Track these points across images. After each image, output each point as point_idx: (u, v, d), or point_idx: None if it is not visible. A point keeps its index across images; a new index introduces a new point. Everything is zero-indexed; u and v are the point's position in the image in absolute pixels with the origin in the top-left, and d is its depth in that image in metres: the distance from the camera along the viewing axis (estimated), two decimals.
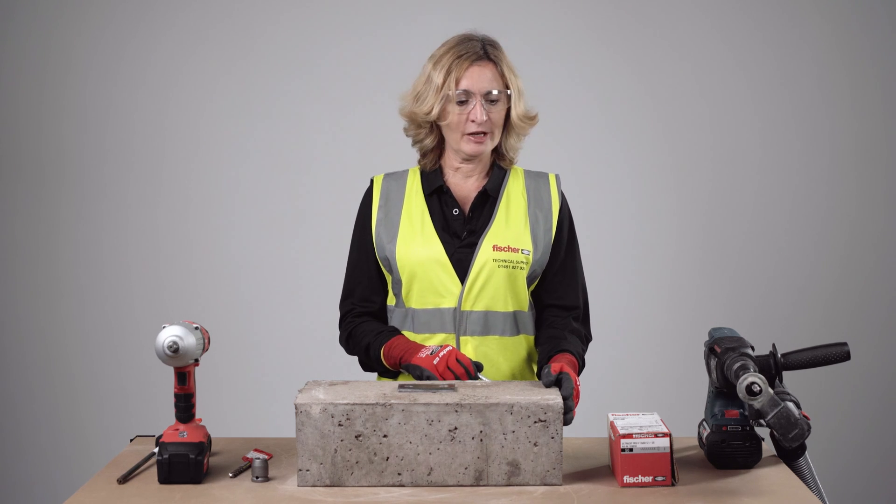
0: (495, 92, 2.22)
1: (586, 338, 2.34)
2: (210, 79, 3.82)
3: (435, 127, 2.28)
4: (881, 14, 3.80)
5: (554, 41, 3.79)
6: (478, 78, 2.21)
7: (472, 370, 2.11)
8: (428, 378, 2.09)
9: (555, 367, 2.04)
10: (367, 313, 2.34)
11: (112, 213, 3.85)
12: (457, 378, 2.09)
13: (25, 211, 3.85)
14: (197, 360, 1.97)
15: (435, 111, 2.23)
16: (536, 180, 2.33)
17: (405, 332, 2.27)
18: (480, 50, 2.24)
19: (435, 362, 2.10)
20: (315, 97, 3.82)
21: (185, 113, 3.83)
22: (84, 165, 3.84)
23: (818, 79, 3.82)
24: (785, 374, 2.10)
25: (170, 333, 1.92)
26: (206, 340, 2.01)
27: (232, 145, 3.84)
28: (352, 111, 3.82)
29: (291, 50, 3.81)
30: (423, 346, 2.17)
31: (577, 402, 1.99)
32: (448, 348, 2.12)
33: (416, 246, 2.24)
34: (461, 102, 2.21)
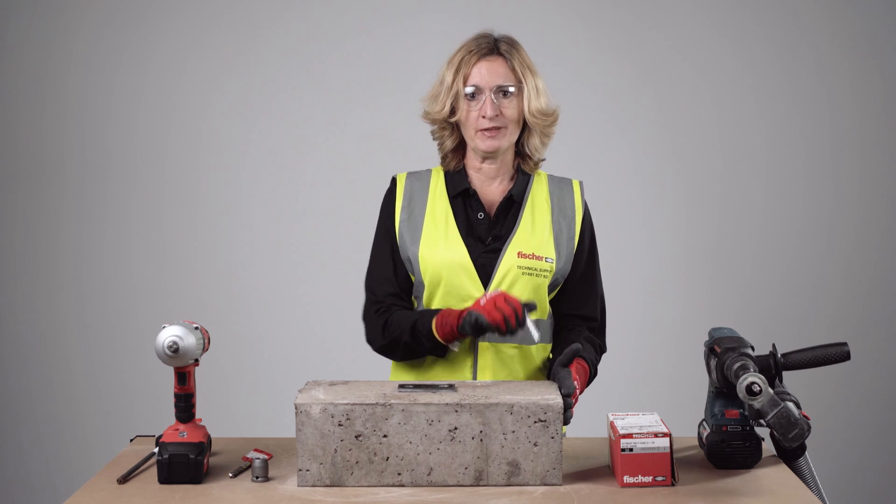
0: (506, 86, 2.19)
1: (601, 348, 2.32)
2: (212, 79, 3.82)
3: (455, 128, 2.26)
4: (882, 14, 3.80)
5: (558, 42, 3.79)
6: (487, 72, 2.19)
7: (521, 311, 2.03)
8: (477, 321, 2.02)
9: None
10: (401, 302, 2.27)
11: (112, 213, 3.85)
12: (505, 319, 2.02)
13: (25, 211, 3.86)
14: (197, 360, 1.97)
15: (447, 109, 2.21)
16: (560, 186, 2.30)
17: None
18: (491, 45, 2.22)
19: (482, 303, 2.05)
20: (318, 97, 3.82)
21: (187, 112, 3.83)
22: (84, 166, 3.84)
23: (823, 80, 3.82)
24: (785, 374, 2.10)
25: (170, 333, 1.92)
26: (206, 340, 2.01)
27: (233, 145, 3.84)
28: (354, 112, 3.82)
29: (295, 50, 3.81)
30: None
31: (575, 403, 2.00)
32: (497, 290, 2.07)
33: (439, 249, 2.21)
34: (472, 98, 2.19)
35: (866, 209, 3.85)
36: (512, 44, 2.24)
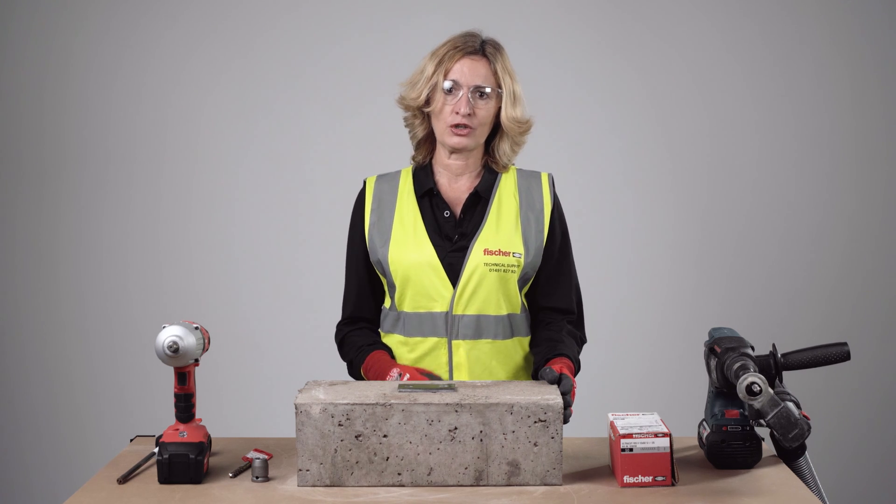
0: (484, 88, 2.21)
1: (581, 340, 2.34)
2: (210, 80, 3.82)
3: (426, 118, 2.28)
4: (881, 14, 3.80)
5: (553, 41, 3.79)
6: (468, 71, 2.21)
7: None
8: None
9: (555, 367, 2.05)
10: (362, 318, 2.35)
11: (112, 213, 3.85)
12: None
13: (25, 211, 3.85)
14: (197, 360, 1.97)
15: (423, 98, 2.23)
16: (529, 180, 2.31)
17: (397, 336, 2.27)
18: (477, 45, 2.25)
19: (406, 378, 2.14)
20: (315, 98, 3.82)
21: (185, 113, 3.83)
22: (84, 166, 3.84)
23: (817, 79, 3.82)
24: (785, 374, 2.10)
25: (170, 333, 1.92)
26: (206, 340, 2.01)
27: (231, 146, 3.84)
28: (351, 112, 3.82)
29: (290, 51, 3.81)
30: (392, 366, 2.19)
31: (573, 400, 2.01)
32: (406, 375, 2.14)
33: (408, 250, 2.24)
34: (449, 93, 2.21)
35: (864, 208, 3.85)
36: (497, 47, 2.27)
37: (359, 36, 3.81)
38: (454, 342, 2.23)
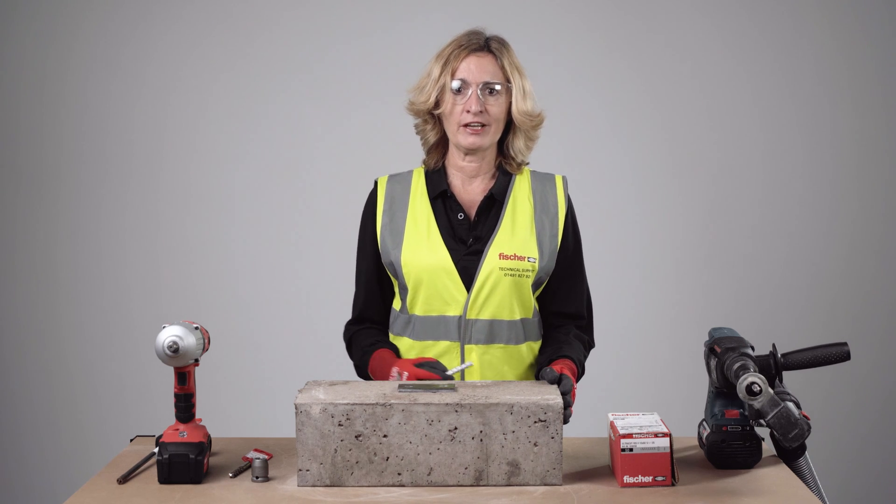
0: (493, 84, 2.19)
1: (589, 344, 2.32)
2: (210, 79, 3.82)
3: (438, 121, 2.26)
4: (882, 14, 3.80)
5: (556, 41, 3.79)
6: (475, 68, 2.19)
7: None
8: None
9: (556, 367, 2.05)
10: (368, 319, 2.34)
11: (112, 213, 3.85)
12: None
13: (25, 211, 3.85)
14: (197, 360, 1.97)
15: (432, 100, 2.21)
16: (543, 183, 2.29)
17: (406, 339, 2.25)
18: (482, 42, 2.23)
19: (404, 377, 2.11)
20: (316, 97, 3.82)
21: (185, 112, 3.83)
22: (84, 166, 3.84)
23: (820, 80, 3.82)
24: (785, 374, 2.10)
25: (170, 333, 1.92)
26: (206, 340, 2.01)
27: (232, 146, 3.84)
28: (353, 112, 3.81)
29: (292, 50, 3.81)
30: (392, 364, 2.16)
31: (573, 400, 2.01)
32: (405, 374, 2.11)
33: (422, 253, 2.21)
34: (458, 92, 2.19)
35: (866, 209, 3.85)
36: (502, 43, 2.25)
37: (360, 35, 3.81)
38: (466, 346, 2.21)
